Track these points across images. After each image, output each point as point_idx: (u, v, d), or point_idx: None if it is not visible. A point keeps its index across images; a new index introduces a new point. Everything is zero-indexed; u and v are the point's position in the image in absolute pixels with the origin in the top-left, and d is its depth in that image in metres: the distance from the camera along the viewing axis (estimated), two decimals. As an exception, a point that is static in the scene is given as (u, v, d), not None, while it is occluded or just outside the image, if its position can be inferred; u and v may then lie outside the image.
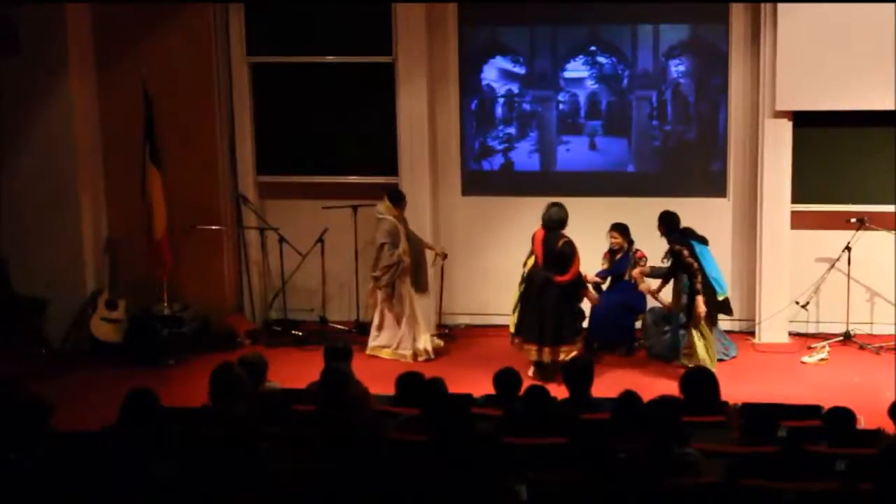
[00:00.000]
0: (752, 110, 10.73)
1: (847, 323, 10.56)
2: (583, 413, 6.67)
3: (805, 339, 10.66)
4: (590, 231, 10.33)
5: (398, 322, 10.36)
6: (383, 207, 10.34)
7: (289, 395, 7.16)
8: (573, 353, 9.34)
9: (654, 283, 10.18)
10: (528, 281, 9.70)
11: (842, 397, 7.01)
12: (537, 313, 9.59)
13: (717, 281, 9.70)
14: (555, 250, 9.49)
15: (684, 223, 10.03)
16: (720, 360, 9.83)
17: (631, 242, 10.40)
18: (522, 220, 10.56)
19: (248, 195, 11.40)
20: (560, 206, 9.68)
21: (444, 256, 10.91)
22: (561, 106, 11.20)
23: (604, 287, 10.53)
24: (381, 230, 10.30)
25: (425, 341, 10.36)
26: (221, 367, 6.77)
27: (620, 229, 10.38)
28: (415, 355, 10.28)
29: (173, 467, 5.59)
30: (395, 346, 10.40)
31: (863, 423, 6.72)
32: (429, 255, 10.74)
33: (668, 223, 9.75)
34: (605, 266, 10.48)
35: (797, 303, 10.70)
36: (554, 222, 9.59)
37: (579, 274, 9.63)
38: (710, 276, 9.61)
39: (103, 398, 6.71)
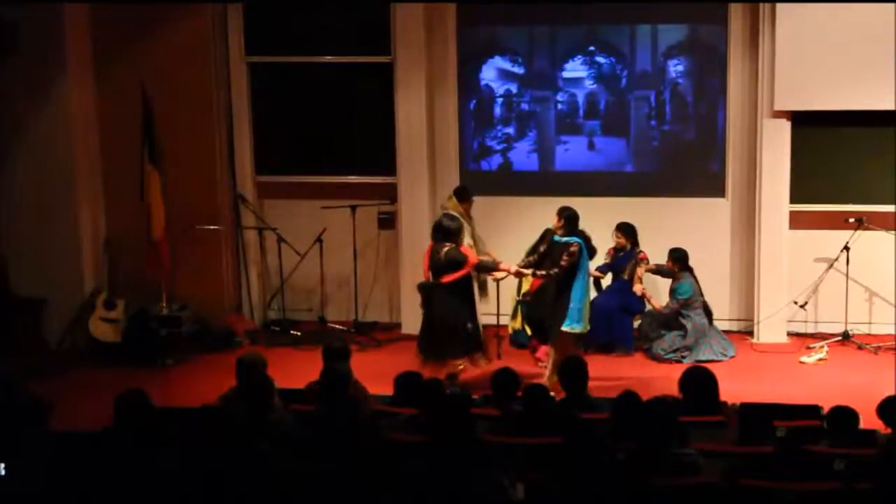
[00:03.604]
0: (750, 110, 10.72)
1: (845, 323, 10.56)
2: (582, 413, 6.67)
3: (804, 339, 10.66)
4: (588, 231, 10.31)
5: None
6: (450, 204, 10.17)
7: (287, 395, 7.17)
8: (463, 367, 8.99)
9: (648, 287, 10.23)
10: (422, 297, 9.20)
11: (840, 397, 7.00)
12: (428, 325, 9.09)
13: (575, 310, 8.82)
14: (440, 261, 8.91)
15: (682, 223, 10.03)
16: (718, 361, 9.84)
17: (636, 244, 10.40)
18: (521, 220, 10.57)
19: (246, 195, 11.41)
20: (451, 217, 9.21)
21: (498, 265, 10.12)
22: (559, 106, 11.20)
23: (604, 283, 10.55)
24: None
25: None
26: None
27: (624, 230, 10.37)
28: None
29: (171, 466, 5.59)
30: None
31: (860, 422, 6.71)
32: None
33: (573, 222, 8.95)
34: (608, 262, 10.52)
35: (796, 303, 10.71)
36: (436, 232, 9.06)
37: (467, 275, 8.97)
38: (572, 298, 8.80)
39: (102, 398, 6.69)
